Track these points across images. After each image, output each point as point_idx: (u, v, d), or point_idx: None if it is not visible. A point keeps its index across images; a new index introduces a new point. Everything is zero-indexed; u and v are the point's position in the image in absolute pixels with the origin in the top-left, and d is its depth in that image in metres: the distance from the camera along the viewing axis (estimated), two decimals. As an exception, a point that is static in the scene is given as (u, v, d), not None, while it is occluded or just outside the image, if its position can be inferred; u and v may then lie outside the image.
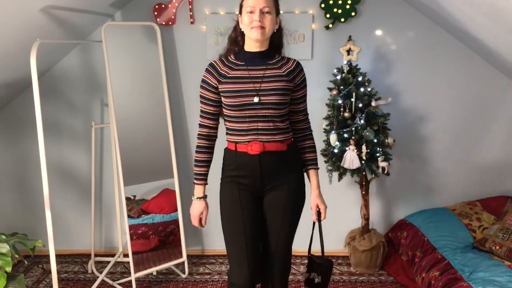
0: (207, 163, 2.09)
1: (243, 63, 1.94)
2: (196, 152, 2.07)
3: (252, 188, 2.00)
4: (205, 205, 2.10)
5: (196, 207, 2.08)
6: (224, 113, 1.99)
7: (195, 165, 2.08)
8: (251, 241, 1.99)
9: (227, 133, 2.02)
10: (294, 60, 2.00)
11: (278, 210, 2.01)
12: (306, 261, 3.35)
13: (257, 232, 2.02)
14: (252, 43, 1.93)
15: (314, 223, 2.15)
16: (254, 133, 1.93)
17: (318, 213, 2.10)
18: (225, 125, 2.03)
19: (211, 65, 1.97)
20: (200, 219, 2.11)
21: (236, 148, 1.97)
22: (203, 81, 1.97)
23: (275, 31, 1.95)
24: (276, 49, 2.01)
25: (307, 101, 2.07)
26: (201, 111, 2.01)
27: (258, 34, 1.86)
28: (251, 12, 1.86)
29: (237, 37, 1.98)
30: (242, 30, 1.93)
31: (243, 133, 1.94)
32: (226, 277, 3.15)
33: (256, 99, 1.88)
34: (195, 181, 2.08)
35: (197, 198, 2.08)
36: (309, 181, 2.12)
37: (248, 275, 1.97)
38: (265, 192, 2.02)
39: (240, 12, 1.92)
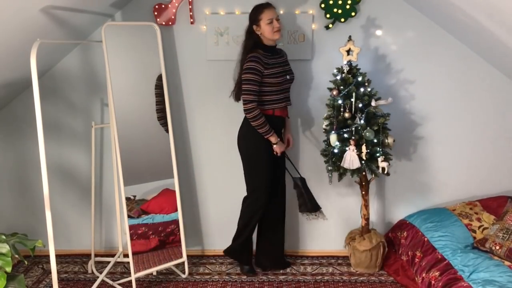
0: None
1: (270, 54, 2.82)
2: (260, 117, 2.78)
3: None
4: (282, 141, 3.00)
5: (281, 144, 2.93)
6: (264, 90, 2.80)
7: (265, 124, 2.80)
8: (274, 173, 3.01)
9: (265, 104, 2.84)
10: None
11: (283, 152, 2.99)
12: (305, 261, 3.37)
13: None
14: (271, 41, 2.82)
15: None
16: (286, 100, 2.91)
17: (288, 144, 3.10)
18: (262, 98, 2.82)
19: (257, 57, 2.75)
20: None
21: (274, 113, 2.88)
22: (255, 68, 2.73)
23: None
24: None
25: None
26: (253, 91, 2.75)
27: (277, 35, 2.78)
28: (270, 22, 2.73)
29: (255, 41, 2.79)
30: (259, 34, 2.79)
31: (278, 101, 2.86)
32: (226, 277, 3.16)
33: (287, 76, 2.88)
34: (270, 133, 2.83)
35: (278, 141, 2.90)
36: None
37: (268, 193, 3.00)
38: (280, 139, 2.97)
39: (257, 24, 2.76)
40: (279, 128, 2.96)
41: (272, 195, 3.03)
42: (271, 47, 2.84)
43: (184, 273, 3.16)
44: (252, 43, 2.80)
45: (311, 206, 3.07)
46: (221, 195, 3.34)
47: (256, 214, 3.02)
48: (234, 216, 3.16)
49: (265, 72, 2.76)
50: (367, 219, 3.13)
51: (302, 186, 3.07)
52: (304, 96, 3.23)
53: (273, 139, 2.86)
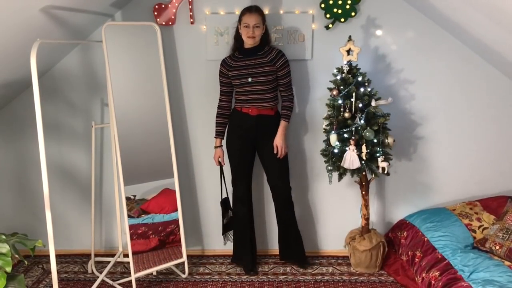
0: (224, 125, 3.07)
1: (242, 56, 2.93)
2: (216, 117, 3.07)
3: (248, 136, 3.01)
4: (222, 151, 3.10)
5: (217, 152, 3.09)
6: (234, 88, 3.01)
7: (216, 126, 3.07)
8: (246, 168, 3.13)
9: (235, 101, 3.04)
10: (277, 49, 2.96)
11: (271, 153, 2.99)
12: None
13: (249, 162, 3.13)
14: (248, 44, 2.92)
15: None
16: (251, 101, 2.94)
17: (277, 151, 2.99)
18: (235, 96, 3.05)
19: (223, 60, 2.99)
20: (219, 162, 3.11)
21: (241, 109, 2.98)
22: (220, 70, 3.00)
23: (262, 33, 2.89)
24: (265, 43, 2.94)
25: (290, 78, 2.99)
26: (220, 90, 3.04)
27: (250, 41, 2.86)
28: (246, 26, 2.81)
29: (238, 37, 2.93)
30: (241, 34, 2.90)
31: (245, 101, 2.95)
32: (226, 277, 3.16)
33: (249, 79, 2.89)
34: (216, 136, 3.07)
35: (217, 147, 3.09)
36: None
37: (244, 180, 3.14)
38: (260, 139, 3.01)
39: (240, 24, 2.87)
40: (247, 124, 2.98)
41: (274, 191, 3.16)
42: (248, 49, 2.92)
43: (184, 273, 3.16)
44: (235, 41, 2.98)
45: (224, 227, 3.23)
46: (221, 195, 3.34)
47: (233, 204, 3.22)
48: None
49: (229, 74, 2.96)
50: (367, 219, 3.13)
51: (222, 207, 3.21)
52: (304, 96, 3.23)
53: (215, 141, 3.08)
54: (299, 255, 3.23)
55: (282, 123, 2.98)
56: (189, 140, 3.34)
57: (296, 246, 3.21)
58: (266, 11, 3.03)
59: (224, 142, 3.10)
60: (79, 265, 3.36)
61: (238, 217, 3.17)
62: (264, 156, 3.06)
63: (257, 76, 2.89)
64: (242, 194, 3.13)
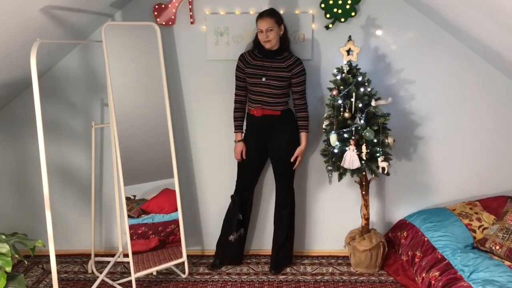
0: (241, 118, 3.09)
1: (261, 56, 2.93)
2: (233, 112, 3.08)
3: (257, 136, 3.04)
4: (243, 145, 3.07)
5: (238, 147, 3.08)
6: (248, 87, 3.01)
7: (234, 120, 3.08)
8: (253, 163, 3.14)
9: (248, 101, 3.05)
10: (295, 57, 2.95)
11: (277, 150, 3.06)
12: (305, 261, 3.37)
13: (258, 159, 3.14)
14: (266, 47, 2.90)
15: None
16: (260, 102, 2.95)
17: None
18: (248, 96, 3.05)
19: (242, 55, 2.99)
20: (241, 155, 3.08)
21: (249, 111, 3.03)
22: (237, 65, 3.00)
23: (281, 35, 2.89)
24: (285, 46, 2.95)
25: (305, 87, 2.98)
26: (236, 85, 3.04)
27: (266, 45, 2.88)
28: (261, 32, 2.83)
29: (257, 42, 2.94)
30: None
31: (254, 101, 2.98)
32: (226, 277, 3.16)
33: (263, 79, 2.90)
34: (235, 131, 3.08)
35: (237, 141, 3.08)
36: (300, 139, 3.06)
37: (248, 182, 3.18)
38: (267, 139, 3.03)
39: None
40: (254, 125, 3.03)
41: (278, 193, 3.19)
42: (268, 50, 2.91)
43: (184, 273, 3.16)
44: (255, 45, 2.99)
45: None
46: (221, 195, 3.33)
47: (230, 205, 3.18)
48: (234, 216, 3.14)
49: (245, 70, 2.96)
50: (367, 219, 3.13)
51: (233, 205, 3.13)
52: (304, 96, 3.23)
53: (235, 135, 3.09)
54: (280, 256, 3.22)
55: (303, 135, 3.02)
56: (189, 140, 3.33)
57: (282, 247, 3.20)
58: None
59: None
60: (79, 265, 3.36)
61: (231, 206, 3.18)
62: (272, 156, 3.09)
63: (271, 79, 2.90)
64: (240, 195, 3.13)
